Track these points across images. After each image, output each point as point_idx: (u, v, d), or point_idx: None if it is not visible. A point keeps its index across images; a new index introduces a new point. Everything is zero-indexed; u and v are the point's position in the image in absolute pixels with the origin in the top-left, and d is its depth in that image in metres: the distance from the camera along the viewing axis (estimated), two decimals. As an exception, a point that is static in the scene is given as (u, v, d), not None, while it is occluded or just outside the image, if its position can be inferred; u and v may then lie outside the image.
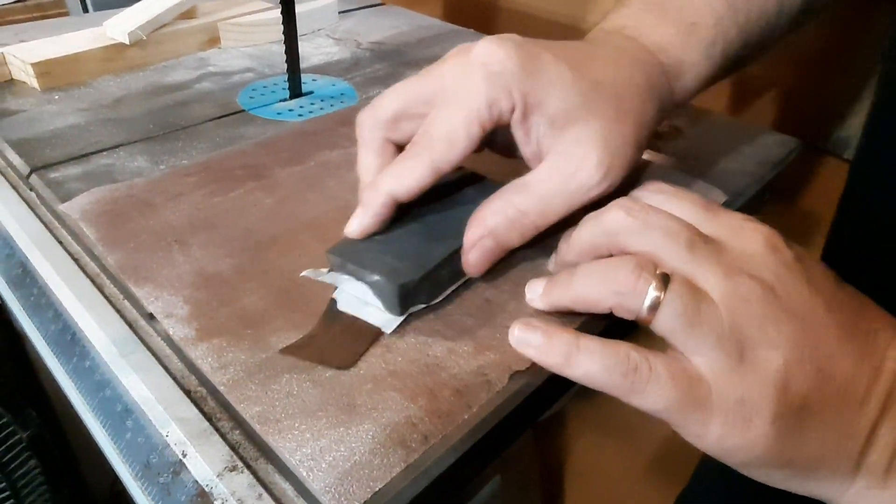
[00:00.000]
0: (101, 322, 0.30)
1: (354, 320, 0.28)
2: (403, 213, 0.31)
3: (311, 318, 0.29)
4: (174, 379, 0.27)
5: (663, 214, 0.26)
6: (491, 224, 0.29)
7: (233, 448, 0.24)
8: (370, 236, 0.30)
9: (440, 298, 0.30)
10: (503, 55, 0.29)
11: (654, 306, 0.24)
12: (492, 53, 0.29)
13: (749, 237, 0.25)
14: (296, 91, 0.52)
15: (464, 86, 0.29)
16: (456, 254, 0.30)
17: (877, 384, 0.23)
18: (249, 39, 0.63)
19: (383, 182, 0.29)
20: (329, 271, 0.29)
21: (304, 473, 0.22)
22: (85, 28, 0.57)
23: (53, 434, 0.73)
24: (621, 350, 0.24)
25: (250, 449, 0.25)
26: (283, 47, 0.50)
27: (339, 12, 0.72)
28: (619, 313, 0.25)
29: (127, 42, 0.54)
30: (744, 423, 0.23)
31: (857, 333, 0.24)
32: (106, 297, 0.32)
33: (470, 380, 0.26)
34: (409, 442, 0.23)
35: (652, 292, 0.24)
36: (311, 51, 0.62)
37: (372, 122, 0.31)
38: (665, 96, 0.34)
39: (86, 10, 0.72)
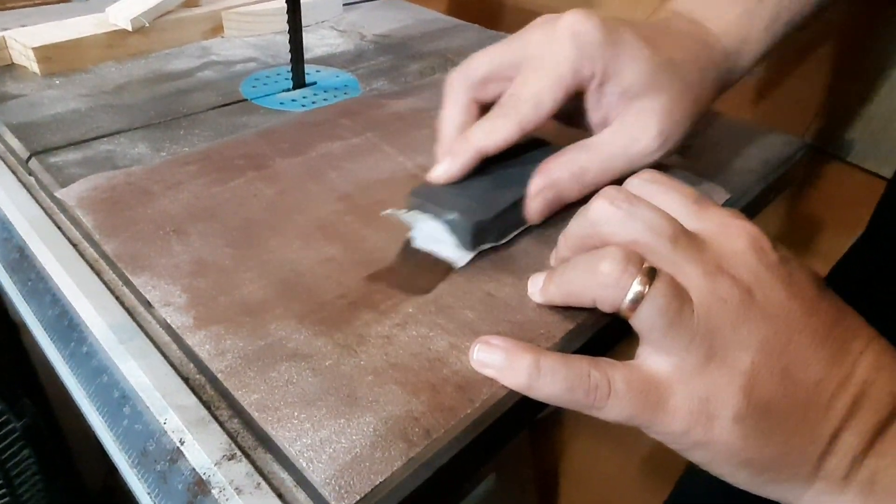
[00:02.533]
0: (99, 308, 0.29)
1: (428, 256, 0.32)
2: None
3: (311, 307, 0.29)
4: (173, 366, 0.27)
5: (648, 206, 0.26)
6: (555, 176, 0.32)
7: (231, 436, 0.24)
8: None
9: (506, 240, 0.33)
10: (591, 26, 0.31)
11: (636, 301, 0.23)
12: (581, 23, 0.31)
13: (734, 235, 0.25)
14: (299, 81, 0.52)
15: (552, 52, 0.31)
16: (521, 201, 0.33)
17: (844, 391, 0.23)
18: (253, 29, 0.62)
19: (474, 136, 0.32)
20: (407, 210, 0.33)
21: (304, 464, 0.22)
22: (88, 14, 0.56)
23: (48, 424, 0.72)
24: (583, 369, 0.24)
25: (249, 437, 0.24)
26: (287, 37, 0.49)
27: (344, 4, 0.71)
28: (601, 306, 0.25)
29: (129, 28, 0.54)
30: (707, 421, 0.23)
31: (830, 339, 0.24)
32: (105, 283, 0.31)
33: (472, 375, 0.26)
34: (411, 436, 0.23)
35: (635, 286, 0.23)
36: (315, 42, 0.62)
37: (463, 82, 0.34)
38: (724, 76, 0.37)
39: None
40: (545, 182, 0.32)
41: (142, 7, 0.55)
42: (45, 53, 0.50)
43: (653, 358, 0.24)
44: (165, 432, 0.24)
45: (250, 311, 0.28)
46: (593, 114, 0.34)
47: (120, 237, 0.32)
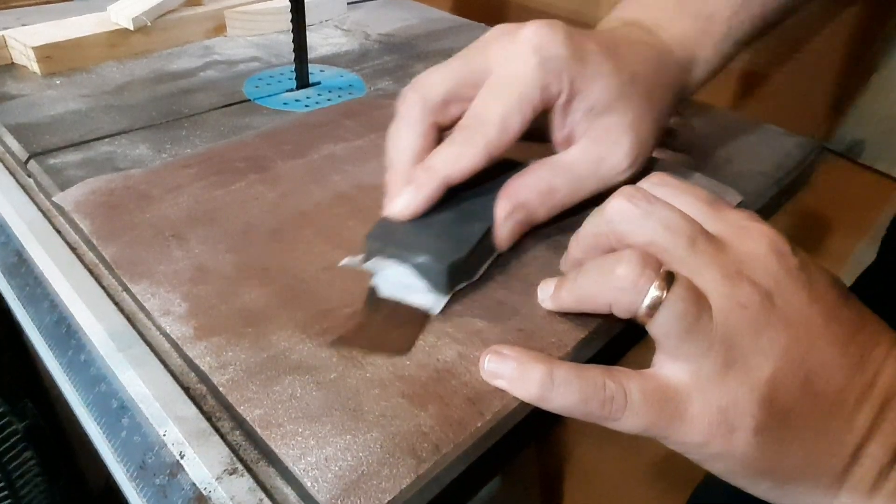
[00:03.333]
0: (98, 314, 0.29)
1: (398, 305, 0.28)
2: None
3: (315, 317, 0.28)
4: (173, 375, 0.26)
5: (666, 206, 0.25)
6: (522, 197, 0.30)
7: (233, 449, 0.23)
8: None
9: (479, 275, 0.30)
10: (555, 40, 0.29)
11: (654, 306, 0.22)
12: (545, 37, 0.29)
13: (753, 238, 0.24)
14: (303, 81, 0.51)
15: (516, 69, 0.29)
16: (490, 230, 0.30)
17: (867, 400, 0.23)
18: (256, 28, 0.61)
19: (438, 164, 0.29)
20: (367, 257, 0.29)
21: (310, 483, 0.21)
22: (89, 13, 0.55)
23: (50, 425, 0.72)
24: (597, 379, 0.23)
25: (251, 451, 0.23)
26: (291, 37, 0.48)
27: (348, 3, 0.70)
28: (617, 311, 0.24)
29: (131, 27, 0.53)
30: (727, 431, 0.22)
31: (852, 346, 0.23)
32: (104, 289, 0.30)
33: (482, 387, 0.25)
34: (420, 451, 0.22)
35: (653, 291, 0.22)
36: (319, 41, 0.61)
37: (420, 104, 0.31)
38: (678, 91, 0.35)
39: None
40: (513, 204, 0.30)
41: (143, 6, 0.54)
42: (46, 53, 0.49)
43: (669, 366, 0.24)
44: (165, 445, 0.23)
45: (252, 321, 0.28)
46: (558, 132, 0.32)
47: (118, 242, 0.31)
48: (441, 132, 0.32)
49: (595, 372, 0.24)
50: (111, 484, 0.26)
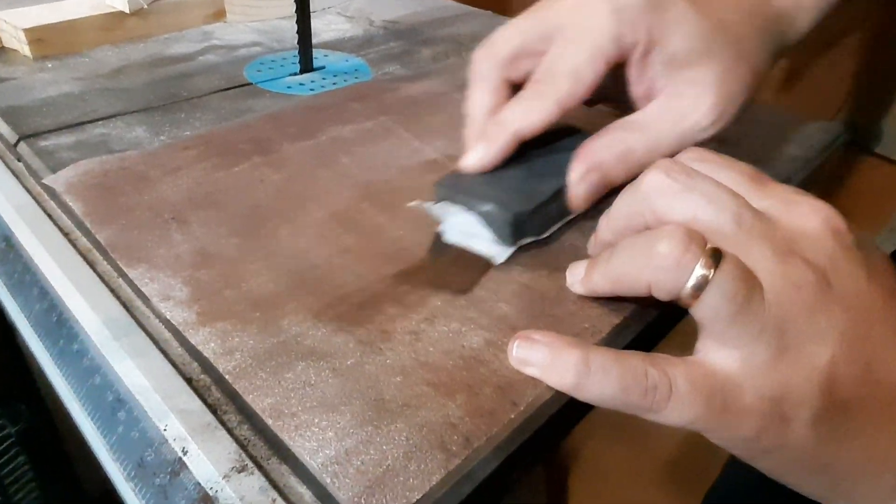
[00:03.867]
0: (91, 302, 0.26)
1: (462, 252, 0.28)
2: None
3: (329, 302, 0.26)
4: (174, 365, 0.24)
5: (708, 179, 0.23)
6: (599, 158, 0.29)
7: (241, 445, 0.21)
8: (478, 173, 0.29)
9: (549, 233, 0.30)
10: None
11: (700, 287, 0.20)
12: None
13: (805, 214, 0.22)
14: (307, 65, 0.49)
15: (588, 20, 0.28)
16: (562, 190, 0.29)
17: None
18: (257, 14, 0.59)
19: (510, 118, 0.29)
20: (437, 202, 0.29)
21: (329, 480, 0.19)
22: (83, -4, 0.53)
23: (46, 429, 0.69)
24: (638, 366, 0.21)
25: (261, 446, 0.21)
26: (292, 23, 0.46)
27: (350, -9, 0.68)
28: (657, 293, 0.21)
29: (127, 10, 0.51)
30: (780, 423, 0.20)
31: None
32: (98, 275, 0.28)
33: (513, 375, 0.23)
34: (449, 445, 0.20)
35: (699, 270, 0.20)
36: (322, 27, 0.59)
37: (491, 60, 0.31)
38: (778, 41, 0.33)
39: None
40: (589, 165, 0.29)
41: (140, -12, 0.52)
42: (37, 35, 0.47)
43: (716, 352, 0.21)
44: (166, 440, 0.21)
45: (260, 306, 0.25)
46: (636, 87, 0.31)
47: (114, 225, 0.29)
48: (515, 89, 0.31)
49: (635, 358, 0.21)
50: (109, 488, 0.24)
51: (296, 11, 0.46)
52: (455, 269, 0.27)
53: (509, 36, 0.30)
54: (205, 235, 0.29)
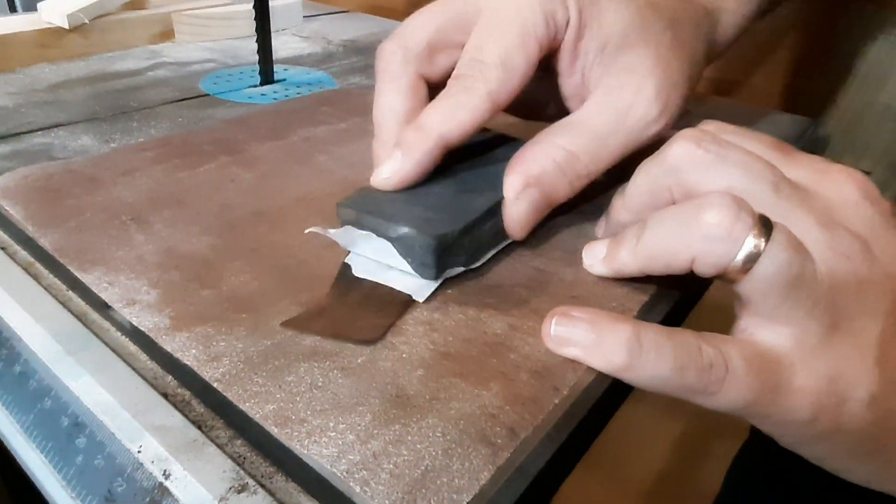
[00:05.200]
0: (37, 315, 0.22)
1: (376, 287, 0.23)
2: None
3: (323, 297, 0.22)
4: (144, 379, 0.20)
5: (740, 149, 0.21)
6: (536, 170, 0.24)
7: (236, 462, 0.17)
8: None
9: (481, 262, 0.24)
10: None
11: (752, 259, 0.18)
12: None
13: (838, 182, 0.21)
14: (268, 77, 0.46)
15: (512, 0, 0.24)
16: (497, 208, 0.24)
17: None
18: (207, 34, 0.56)
19: (432, 122, 0.24)
20: (340, 226, 0.23)
21: (359, 489, 0.15)
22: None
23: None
24: (692, 343, 0.19)
25: (261, 463, 0.17)
26: (246, 42, 0.44)
27: (303, 17, 0.67)
28: (702, 268, 0.19)
29: (66, 26, 0.47)
30: (836, 404, 0.19)
31: None
32: (44, 289, 0.24)
33: (549, 359, 0.20)
34: (493, 437, 0.17)
35: (751, 241, 0.18)
36: (279, 45, 0.57)
37: (401, 55, 0.25)
38: (710, 38, 0.31)
39: (13, 10, 0.65)
40: (525, 178, 0.24)
41: (80, 2, 0.48)
42: (-37, 51, 0.43)
43: (766, 331, 0.19)
44: (141, 465, 0.17)
45: (246, 306, 0.22)
46: (567, 83, 0.27)
47: (61, 229, 0.25)
48: (430, 88, 0.26)
49: (687, 335, 0.19)
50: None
51: (255, 18, 0.43)
52: (363, 312, 0.22)
53: (421, 24, 0.26)
54: (172, 235, 0.25)
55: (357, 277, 0.23)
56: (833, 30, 0.60)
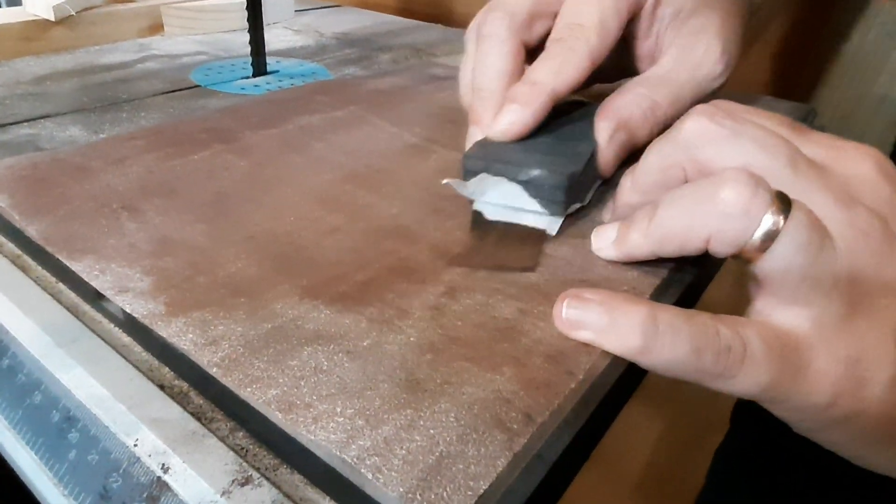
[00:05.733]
0: (25, 307, 0.21)
1: (510, 227, 0.25)
2: None
3: (326, 282, 0.22)
4: (139, 371, 0.19)
5: (755, 124, 0.20)
6: (625, 115, 0.27)
7: (238, 454, 0.16)
8: (499, 143, 0.26)
9: (587, 200, 0.27)
10: None
11: (770, 237, 0.17)
12: None
13: (854, 159, 0.20)
14: (261, 68, 0.45)
15: None
16: (594, 153, 0.27)
17: None
18: (197, 27, 0.55)
19: (543, 77, 0.26)
20: (466, 177, 0.25)
21: (371, 476, 0.14)
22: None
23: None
24: (709, 325, 0.18)
25: (264, 455, 0.17)
26: (237, 35, 0.43)
27: (295, 11, 0.66)
28: (718, 247, 0.19)
29: (52, 18, 0.46)
30: (857, 386, 0.18)
31: None
32: (33, 280, 0.23)
33: (561, 343, 0.19)
34: (509, 422, 0.16)
35: (769, 218, 0.17)
36: (271, 38, 0.55)
37: (507, 22, 0.28)
38: (747, 9, 0.32)
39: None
40: (616, 123, 0.27)
41: (65, -6, 0.47)
42: (-55, 43, 0.42)
43: (784, 312, 0.19)
44: (138, 459, 0.16)
45: (244, 291, 0.21)
46: (641, 45, 0.30)
47: (49, 217, 0.24)
48: (527, 53, 0.29)
49: (704, 316, 0.18)
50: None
51: (246, 8, 0.43)
52: (507, 249, 0.24)
53: None
54: (165, 223, 0.24)
55: (489, 221, 0.25)
56: (826, 21, 0.59)
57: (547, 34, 0.28)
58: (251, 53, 0.44)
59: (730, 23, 0.30)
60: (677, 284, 0.24)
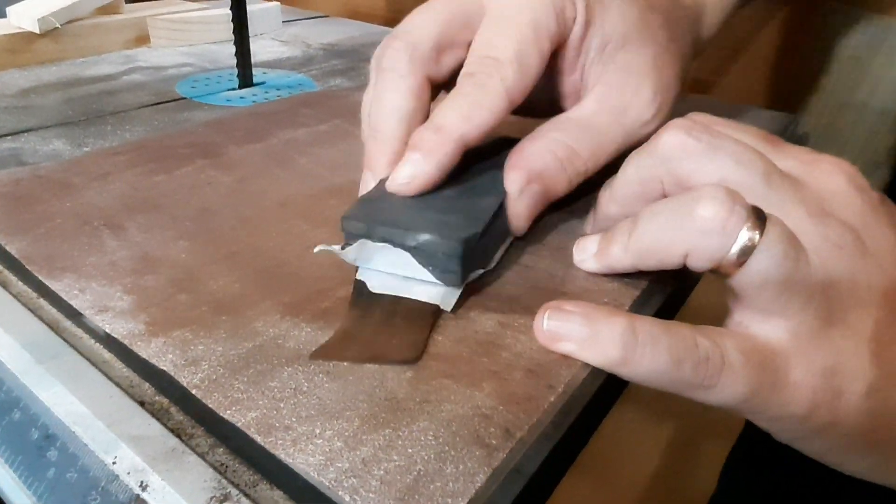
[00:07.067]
0: (5, 323, 0.21)
1: (397, 301, 0.21)
2: None
3: (308, 298, 0.22)
4: (119, 388, 0.19)
5: (731, 138, 0.21)
6: (538, 165, 0.24)
7: (218, 471, 0.16)
8: (388, 196, 0.23)
9: (494, 264, 0.23)
10: None
11: (746, 252, 0.18)
12: None
13: (827, 172, 0.21)
14: (247, 80, 0.45)
15: None
16: (502, 208, 0.23)
17: None
18: (183, 38, 0.55)
19: (451, 122, 0.22)
20: (347, 243, 0.22)
21: (348, 498, 0.14)
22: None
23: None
24: (687, 336, 0.18)
25: (244, 472, 0.17)
26: (223, 46, 0.43)
27: (282, 21, 0.66)
28: (696, 262, 0.19)
29: (36, 30, 0.46)
30: (833, 397, 0.19)
31: None
32: (13, 296, 0.23)
33: (542, 356, 0.19)
34: (487, 438, 0.16)
35: (745, 233, 0.18)
36: (258, 49, 0.56)
37: (408, 55, 0.24)
38: (696, 36, 0.31)
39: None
40: (527, 174, 0.23)
41: (52, 6, 0.47)
42: (-73, 56, 0.41)
43: (761, 324, 0.19)
44: (117, 476, 0.16)
45: (226, 309, 0.21)
46: (566, 79, 0.26)
47: (29, 235, 0.24)
48: (434, 89, 0.26)
49: (682, 327, 0.19)
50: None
51: (232, 20, 0.43)
52: (390, 332, 0.20)
53: (426, 22, 0.25)
54: (147, 241, 0.25)
55: (374, 293, 0.22)
56: (809, 28, 0.60)
57: (459, 66, 0.24)
58: (237, 65, 0.44)
59: (665, 59, 0.26)
60: (658, 296, 0.24)
